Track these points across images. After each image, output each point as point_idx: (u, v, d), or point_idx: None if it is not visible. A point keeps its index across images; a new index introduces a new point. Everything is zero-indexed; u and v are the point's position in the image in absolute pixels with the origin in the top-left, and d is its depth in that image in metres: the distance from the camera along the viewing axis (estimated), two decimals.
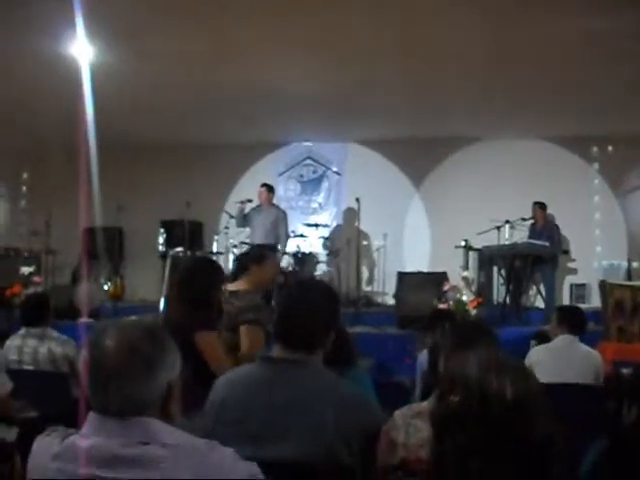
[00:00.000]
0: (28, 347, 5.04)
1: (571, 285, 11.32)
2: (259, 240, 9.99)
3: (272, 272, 4.98)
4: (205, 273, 4.14)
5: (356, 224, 11.05)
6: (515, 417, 1.56)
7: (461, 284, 9.49)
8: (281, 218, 10.38)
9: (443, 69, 8.47)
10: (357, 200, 10.50)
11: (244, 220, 10.40)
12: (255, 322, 4.22)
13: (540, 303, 10.54)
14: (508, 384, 1.58)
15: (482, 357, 1.67)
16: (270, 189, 10.56)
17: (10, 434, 4.58)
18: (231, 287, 4.62)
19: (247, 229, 10.67)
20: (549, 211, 10.83)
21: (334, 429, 2.38)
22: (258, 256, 4.93)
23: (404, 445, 2.46)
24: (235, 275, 4.96)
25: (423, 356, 4.88)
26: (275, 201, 10.75)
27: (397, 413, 2.56)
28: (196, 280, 4.04)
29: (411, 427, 2.49)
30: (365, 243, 11.91)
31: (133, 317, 1.89)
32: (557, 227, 10.69)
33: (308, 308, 2.56)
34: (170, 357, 1.78)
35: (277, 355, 2.55)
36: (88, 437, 1.70)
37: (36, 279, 10.17)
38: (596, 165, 11.72)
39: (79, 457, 1.66)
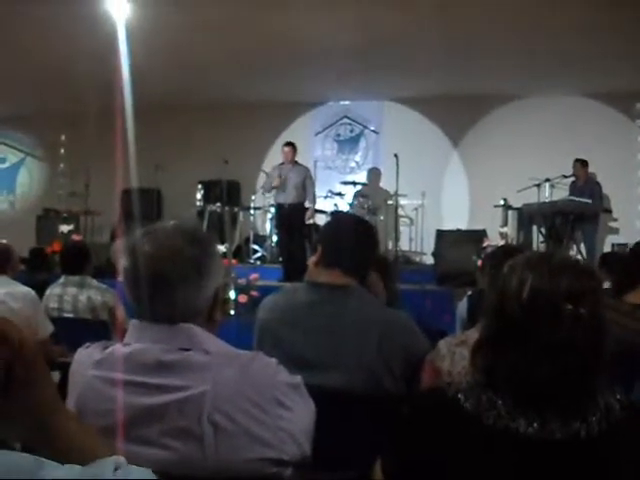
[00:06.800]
0: (68, 295, 5.05)
1: (612, 245, 11.05)
2: (290, 199, 9.68)
3: None
4: None
5: (394, 182, 10.93)
6: (526, 317, 1.45)
7: (500, 241, 9.38)
8: (308, 176, 10.00)
9: (482, 24, 8.30)
10: (395, 156, 10.34)
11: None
12: None
13: None
14: (529, 282, 1.47)
15: (520, 257, 1.59)
16: (295, 148, 10.05)
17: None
18: None
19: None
20: (590, 169, 10.54)
21: (377, 353, 2.35)
22: None
23: (449, 373, 2.43)
24: None
25: (462, 305, 4.81)
26: (312, 160, 10.58)
27: (441, 342, 2.54)
28: None
29: (456, 355, 2.46)
30: (403, 202, 11.75)
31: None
32: (599, 185, 10.39)
33: (350, 235, 2.59)
34: (217, 262, 1.75)
35: (322, 280, 2.54)
36: (130, 344, 1.68)
37: (75, 237, 10.25)
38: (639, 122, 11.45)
39: (120, 363, 1.64)
